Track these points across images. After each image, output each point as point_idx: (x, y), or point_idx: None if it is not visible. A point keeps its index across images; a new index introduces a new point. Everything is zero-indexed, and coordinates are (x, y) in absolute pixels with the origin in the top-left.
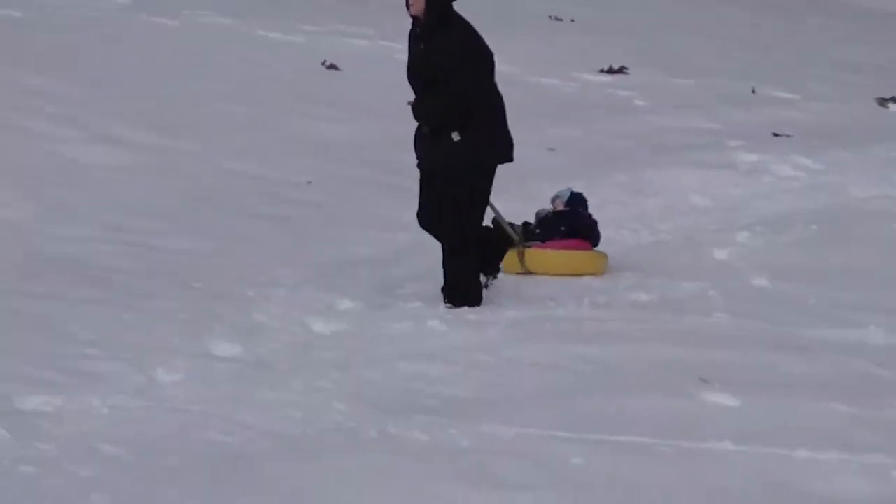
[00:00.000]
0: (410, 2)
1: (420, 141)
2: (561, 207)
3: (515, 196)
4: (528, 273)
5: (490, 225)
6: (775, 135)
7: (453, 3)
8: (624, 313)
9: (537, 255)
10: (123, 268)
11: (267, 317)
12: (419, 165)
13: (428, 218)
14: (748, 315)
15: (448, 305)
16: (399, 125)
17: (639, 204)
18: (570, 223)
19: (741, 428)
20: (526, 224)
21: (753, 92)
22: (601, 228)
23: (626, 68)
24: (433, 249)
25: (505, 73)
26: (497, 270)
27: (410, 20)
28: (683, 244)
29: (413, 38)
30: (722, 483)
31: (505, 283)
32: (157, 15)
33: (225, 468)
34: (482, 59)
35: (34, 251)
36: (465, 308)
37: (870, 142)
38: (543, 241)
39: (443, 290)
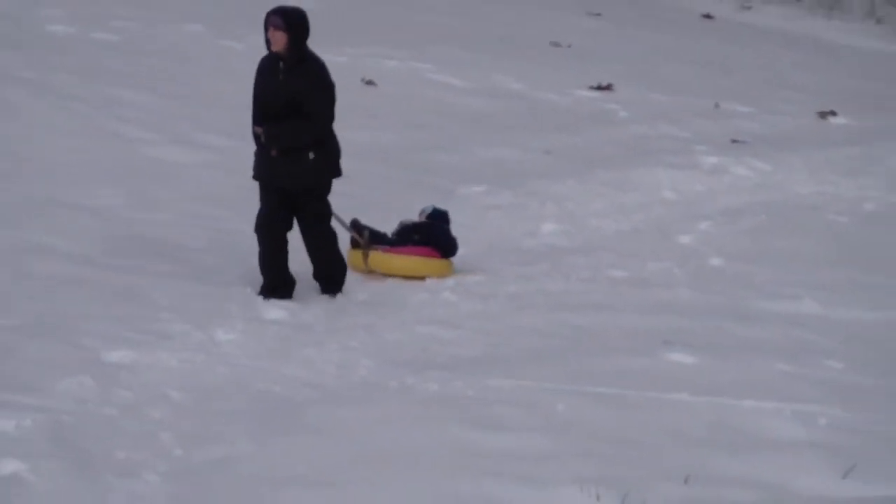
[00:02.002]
0: (272, 40)
1: (265, 161)
2: (423, 220)
3: (522, 194)
4: (372, 272)
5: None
6: (733, 141)
7: (306, 41)
8: (603, 287)
9: (380, 257)
10: (195, 247)
11: (309, 287)
12: (259, 179)
13: (269, 228)
14: (705, 290)
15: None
16: (422, 133)
17: (619, 198)
18: (424, 234)
19: (696, 382)
20: (361, 227)
21: (717, 106)
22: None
23: (612, 85)
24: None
25: (512, 90)
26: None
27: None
28: (654, 231)
29: (268, 71)
30: (679, 426)
31: (507, 262)
32: (225, 39)
33: (272, 412)
34: (332, 91)
35: (123, 233)
36: (472, 281)
37: (811, 148)
38: (394, 246)
39: (327, 285)
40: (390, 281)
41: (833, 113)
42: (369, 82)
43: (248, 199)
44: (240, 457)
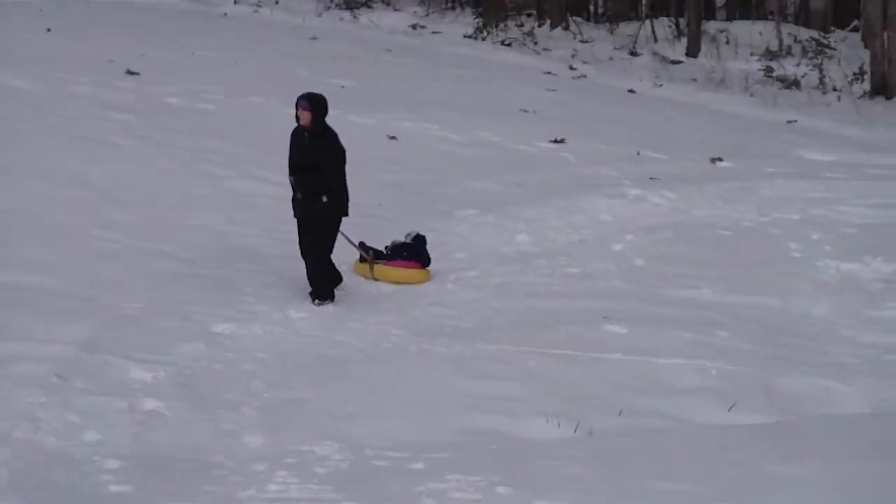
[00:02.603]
0: (301, 117)
1: (296, 202)
2: (408, 241)
3: (501, 216)
4: (375, 279)
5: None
6: (651, 178)
7: (325, 118)
8: (560, 280)
9: (382, 268)
10: (272, 253)
11: (355, 282)
12: (296, 216)
13: (305, 247)
14: (632, 282)
15: (316, 302)
16: (430, 173)
17: (570, 218)
18: (410, 251)
19: (627, 345)
20: (367, 248)
21: (638, 154)
22: (553, 232)
23: (564, 139)
24: (450, 243)
25: (493, 142)
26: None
27: (302, 131)
28: (596, 241)
29: (297, 138)
30: (614, 377)
31: (492, 263)
32: (281, 107)
33: (329, 367)
34: (342, 155)
35: (219, 243)
36: (468, 276)
37: (704, 183)
38: (389, 260)
39: (311, 293)
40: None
41: (720, 159)
42: (392, 137)
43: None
44: (307, 398)
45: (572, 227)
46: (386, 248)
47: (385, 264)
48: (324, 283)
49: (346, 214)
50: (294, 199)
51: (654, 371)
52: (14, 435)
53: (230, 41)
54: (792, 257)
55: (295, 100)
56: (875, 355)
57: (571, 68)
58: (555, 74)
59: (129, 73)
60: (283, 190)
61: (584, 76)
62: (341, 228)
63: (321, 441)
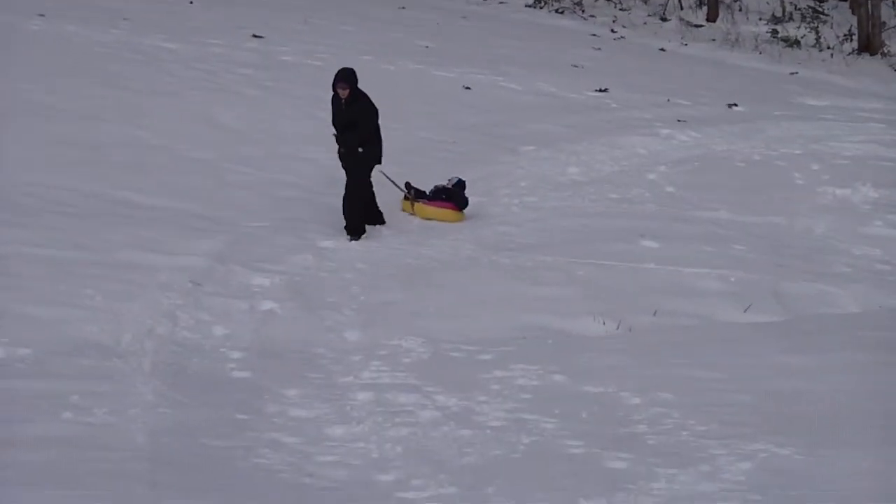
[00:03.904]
0: (340, 91)
1: (341, 156)
2: (449, 186)
3: (556, 151)
4: (414, 215)
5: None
6: (678, 121)
7: (358, 85)
8: (604, 204)
9: (421, 206)
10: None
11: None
12: (344, 168)
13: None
14: (664, 204)
15: (349, 237)
16: (497, 116)
17: (612, 152)
18: (448, 194)
19: (659, 257)
20: (410, 187)
21: (668, 101)
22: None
23: (607, 89)
24: (514, 173)
25: (549, 91)
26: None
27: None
28: (633, 172)
29: (336, 104)
30: (649, 283)
31: (549, 190)
32: (384, 64)
33: (414, 275)
34: (374, 114)
35: (329, 175)
36: (529, 201)
37: (723, 124)
38: (429, 200)
39: (345, 227)
40: (475, 203)
41: (735, 104)
42: (467, 88)
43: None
44: (397, 300)
45: (614, 160)
46: (430, 191)
47: (425, 203)
48: (358, 221)
49: (380, 162)
50: (338, 153)
51: (682, 278)
52: (156, 331)
53: (336, 11)
54: (796, 184)
55: (399, 53)
56: (866, 265)
57: (612, 31)
58: (599, 36)
59: (255, 36)
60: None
61: (623, 38)
62: (387, 173)
63: (407, 336)
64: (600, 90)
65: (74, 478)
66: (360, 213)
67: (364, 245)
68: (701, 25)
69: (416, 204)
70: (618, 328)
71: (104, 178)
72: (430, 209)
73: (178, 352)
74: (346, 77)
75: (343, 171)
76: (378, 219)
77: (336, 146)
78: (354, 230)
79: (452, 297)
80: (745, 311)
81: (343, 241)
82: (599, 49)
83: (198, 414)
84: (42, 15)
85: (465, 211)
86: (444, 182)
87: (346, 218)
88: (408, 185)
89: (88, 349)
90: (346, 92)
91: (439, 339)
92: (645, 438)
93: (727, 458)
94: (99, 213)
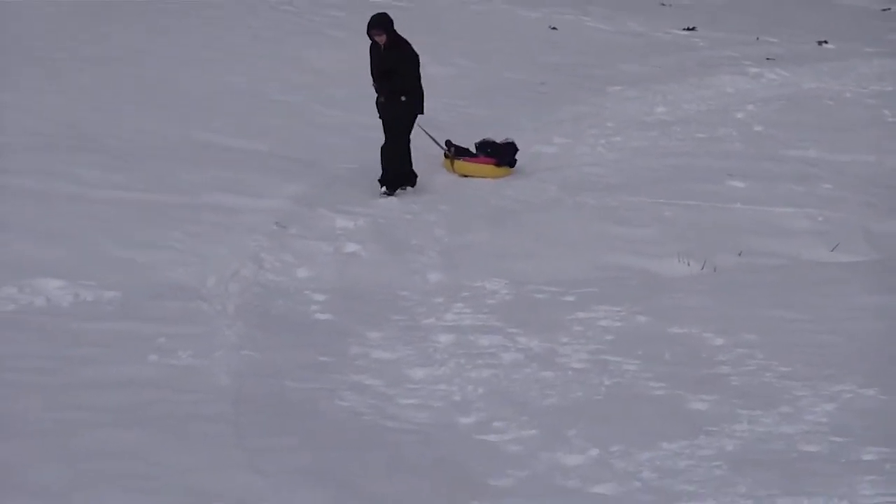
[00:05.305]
0: (377, 39)
1: (379, 104)
2: (499, 141)
3: (643, 90)
4: (454, 173)
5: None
6: (767, 59)
7: (395, 29)
8: (692, 143)
9: (461, 163)
10: (449, 122)
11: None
12: (381, 117)
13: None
14: (751, 144)
15: (383, 189)
16: (584, 56)
17: (699, 92)
18: (494, 149)
19: (745, 196)
20: (449, 144)
21: (757, 39)
22: (686, 104)
23: (696, 28)
24: (601, 114)
25: (637, 31)
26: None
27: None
28: (721, 111)
29: (374, 51)
30: (736, 223)
31: (634, 129)
32: (473, 4)
33: (498, 216)
34: (415, 61)
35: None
36: (614, 140)
37: (813, 62)
38: (471, 157)
39: (379, 179)
40: (558, 146)
41: (826, 41)
42: (553, 28)
43: (486, 93)
44: (479, 242)
45: (701, 99)
46: (476, 143)
47: (465, 160)
48: (392, 174)
49: (422, 112)
50: (377, 102)
51: (769, 218)
52: (242, 273)
53: None
54: (886, 122)
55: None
56: None
57: None
58: None
59: None
60: (461, 71)
61: None
62: (425, 127)
63: (490, 277)
64: (688, 29)
65: (159, 419)
66: (398, 165)
67: (447, 186)
68: None
69: (455, 161)
70: (702, 268)
71: (191, 122)
72: (470, 166)
73: (262, 294)
74: (379, 22)
75: (381, 121)
76: (409, 179)
77: (376, 95)
78: (390, 183)
79: (536, 238)
80: (832, 251)
81: (426, 183)
82: None
83: (281, 356)
84: None
85: (513, 167)
86: (496, 139)
87: (383, 168)
88: (448, 142)
89: (174, 291)
90: (383, 38)
91: (522, 281)
92: (728, 380)
93: (810, 399)
94: (187, 156)
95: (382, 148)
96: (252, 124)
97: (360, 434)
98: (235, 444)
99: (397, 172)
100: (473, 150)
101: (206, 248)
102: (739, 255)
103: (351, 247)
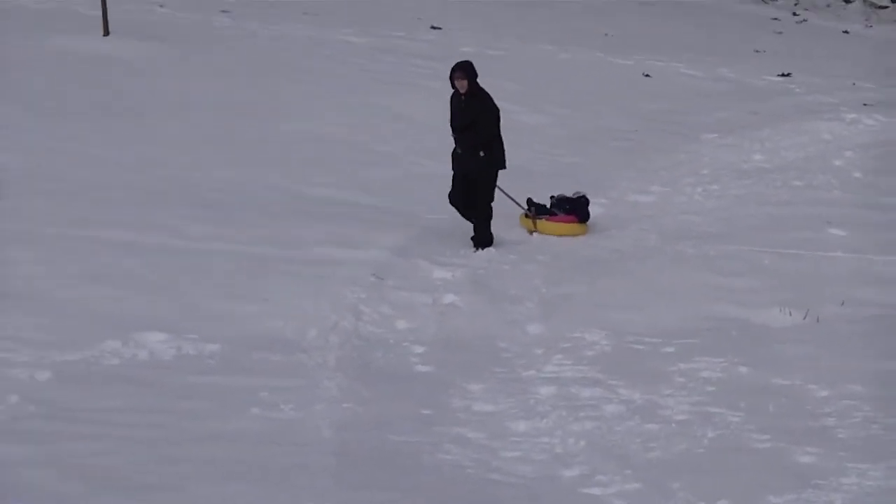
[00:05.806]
0: (458, 85)
1: (456, 157)
2: (572, 196)
3: (739, 138)
4: (534, 232)
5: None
6: (864, 105)
7: (477, 80)
8: (789, 191)
9: (543, 223)
10: (545, 171)
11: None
12: (454, 170)
13: (457, 199)
14: (850, 191)
15: (476, 249)
16: (677, 103)
17: (796, 139)
18: (571, 205)
19: (846, 245)
20: (531, 203)
21: (853, 84)
22: (783, 151)
23: (790, 73)
24: (696, 161)
25: (729, 77)
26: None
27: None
28: (818, 158)
29: (455, 101)
30: (836, 272)
31: (732, 178)
32: (562, 52)
33: (596, 266)
34: (495, 114)
35: (510, 164)
36: (712, 189)
37: None
38: (551, 216)
39: (472, 238)
40: (655, 194)
41: None
42: (646, 75)
43: (573, 145)
44: (578, 293)
45: (799, 146)
46: (551, 197)
47: (548, 219)
48: (486, 232)
49: (504, 167)
50: (454, 154)
51: (870, 266)
52: (341, 325)
53: (516, 4)
54: None
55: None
56: None
57: (794, 14)
58: (780, 20)
59: (433, 27)
60: (555, 119)
61: (805, 20)
62: (502, 186)
63: (589, 328)
64: (783, 75)
65: (264, 473)
66: (489, 223)
67: (544, 237)
68: (885, 7)
69: (538, 221)
70: (804, 318)
71: (288, 174)
72: (553, 225)
73: (362, 346)
74: (462, 67)
75: (452, 177)
76: (489, 242)
77: (454, 146)
78: (483, 241)
79: (634, 288)
80: None
81: (522, 234)
82: (781, 33)
83: (382, 408)
84: (226, 11)
85: (587, 224)
86: (567, 194)
87: (475, 230)
88: (529, 200)
89: (275, 344)
90: (465, 83)
91: (622, 331)
92: (835, 432)
93: None
94: (284, 208)
95: (453, 204)
96: (352, 175)
97: (465, 488)
98: (338, 497)
99: (487, 229)
100: (548, 206)
101: (305, 301)
102: (842, 304)
103: (449, 297)
